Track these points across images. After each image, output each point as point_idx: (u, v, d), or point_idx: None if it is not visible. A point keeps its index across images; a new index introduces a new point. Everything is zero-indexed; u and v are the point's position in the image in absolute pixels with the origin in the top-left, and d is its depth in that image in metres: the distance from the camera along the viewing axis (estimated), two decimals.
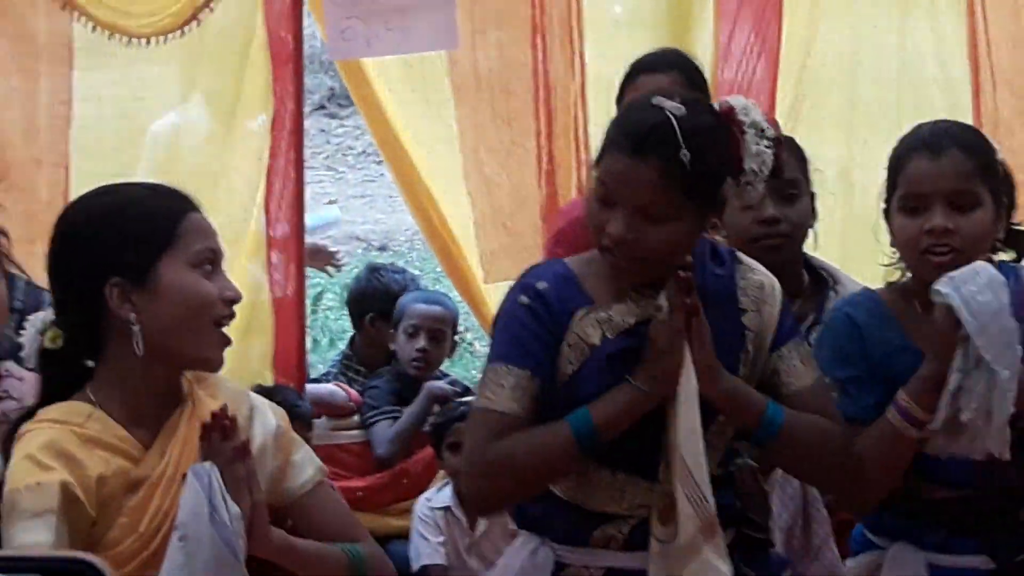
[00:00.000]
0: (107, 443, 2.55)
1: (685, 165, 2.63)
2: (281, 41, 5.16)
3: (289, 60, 5.18)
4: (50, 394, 2.62)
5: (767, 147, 2.70)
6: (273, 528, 2.62)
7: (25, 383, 3.24)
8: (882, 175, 4.74)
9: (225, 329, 2.65)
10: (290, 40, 5.15)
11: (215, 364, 2.66)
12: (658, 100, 2.72)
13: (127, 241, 2.59)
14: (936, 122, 3.33)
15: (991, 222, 3.05)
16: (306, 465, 2.76)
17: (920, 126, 3.29)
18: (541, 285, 2.80)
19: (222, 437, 2.54)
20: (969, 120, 5.22)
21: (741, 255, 2.96)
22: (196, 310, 2.59)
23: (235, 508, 2.48)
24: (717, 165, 2.66)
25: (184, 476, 2.52)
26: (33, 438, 2.54)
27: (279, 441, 2.74)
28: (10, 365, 3.30)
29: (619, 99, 4.16)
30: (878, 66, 5.52)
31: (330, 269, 6.74)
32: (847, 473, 2.96)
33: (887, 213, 3.18)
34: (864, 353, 3.11)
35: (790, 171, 3.46)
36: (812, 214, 3.77)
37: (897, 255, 3.17)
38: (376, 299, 5.57)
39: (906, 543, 3.07)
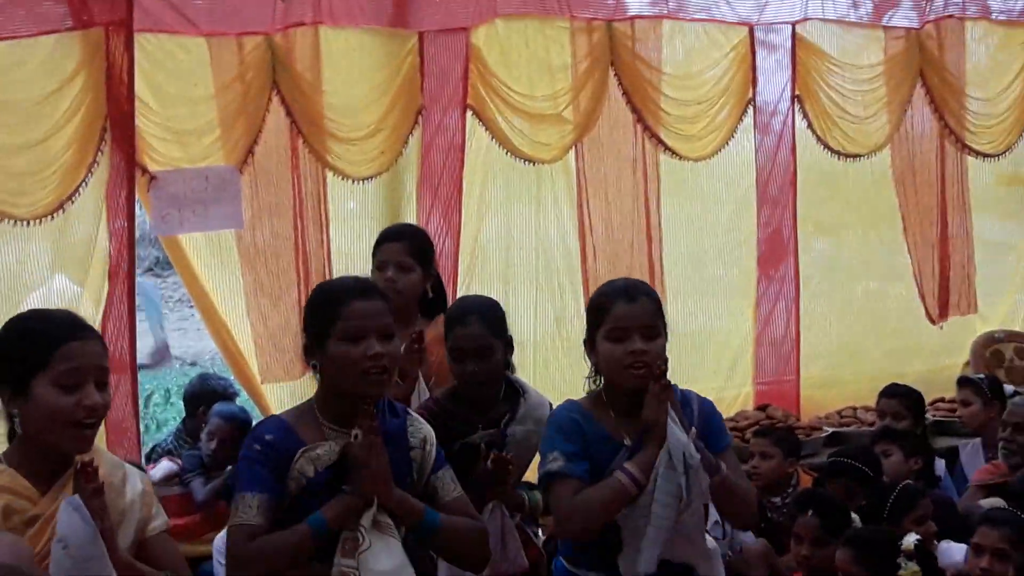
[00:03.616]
0: (12, 489, 2.95)
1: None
2: (118, 227, 6.04)
3: (123, 239, 6.04)
4: (10, 441, 3.09)
5: None
6: (120, 549, 3.01)
7: None
8: (526, 313, 6.22)
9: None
10: (125, 225, 6.06)
11: (78, 452, 3.02)
12: None
13: (11, 363, 2.98)
14: (626, 279, 3.89)
15: (665, 347, 3.64)
16: (159, 516, 3.22)
17: (613, 281, 3.84)
18: (268, 436, 3.34)
19: (86, 480, 2.95)
20: (579, 275, 6.96)
21: (410, 411, 3.59)
22: (56, 419, 2.94)
23: (95, 526, 2.91)
24: None
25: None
26: None
27: (144, 498, 3.18)
28: None
29: (374, 255, 5.05)
30: (522, 241, 7.03)
31: None
32: (484, 554, 3.56)
33: (590, 344, 3.68)
34: (582, 436, 3.60)
35: (485, 339, 4.32)
36: (508, 353, 4.43)
37: (594, 373, 3.70)
38: (206, 396, 6.65)
39: (600, 572, 3.63)
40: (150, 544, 3.15)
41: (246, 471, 3.32)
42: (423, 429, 3.49)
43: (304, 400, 3.53)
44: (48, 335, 2.98)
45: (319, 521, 3.23)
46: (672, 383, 3.71)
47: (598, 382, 3.70)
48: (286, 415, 3.45)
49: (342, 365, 3.29)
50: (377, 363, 3.27)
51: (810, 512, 5.02)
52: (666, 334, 3.64)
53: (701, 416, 3.73)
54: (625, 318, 3.57)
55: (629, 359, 3.54)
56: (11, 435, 3.07)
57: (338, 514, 3.24)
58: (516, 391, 4.44)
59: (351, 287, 3.40)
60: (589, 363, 3.72)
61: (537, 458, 3.92)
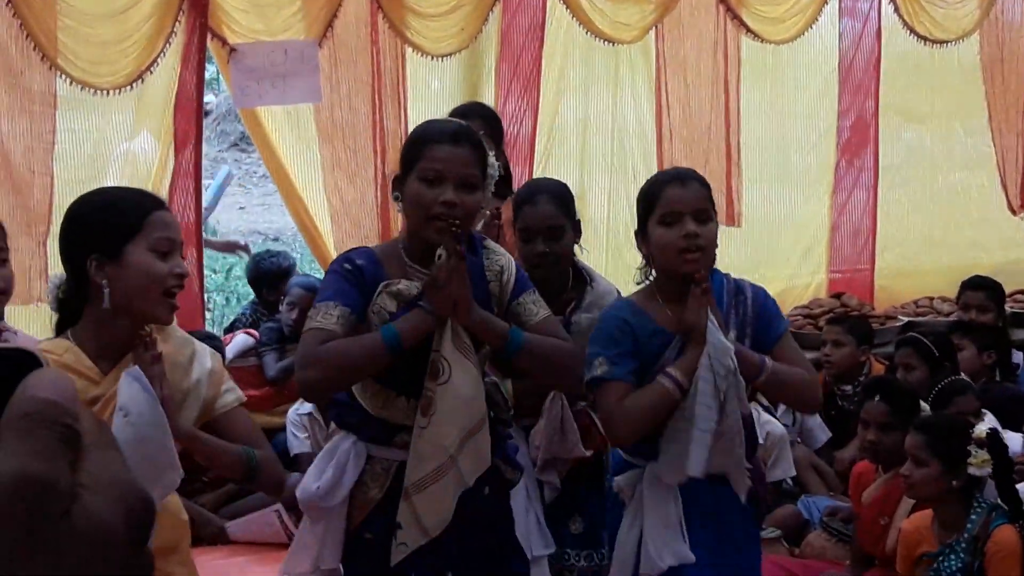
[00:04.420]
0: (76, 368, 2.93)
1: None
2: (188, 100, 6.20)
3: (192, 108, 6.19)
4: (60, 328, 3.08)
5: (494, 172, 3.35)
6: (180, 421, 3.00)
7: (19, 337, 3.67)
8: (600, 197, 6.22)
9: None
10: (195, 97, 6.21)
11: (164, 321, 3.04)
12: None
13: (104, 228, 2.96)
14: (675, 167, 3.93)
15: (717, 232, 3.58)
16: (230, 392, 3.17)
17: (663, 171, 3.96)
18: (359, 260, 3.30)
19: (144, 348, 2.95)
20: (654, 160, 6.90)
21: (488, 242, 3.50)
22: (150, 283, 2.94)
23: (155, 395, 2.87)
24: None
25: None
26: None
27: (212, 377, 3.14)
28: (5, 324, 3.70)
29: None
30: (599, 123, 7.02)
31: (242, 253, 8.17)
32: (576, 373, 3.49)
33: (641, 234, 3.62)
34: (632, 337, 3.53)
35: (556, 219, 4.24)
36: (576, 238, 4.32)
37: (645, 264, 3.65)
38: (264, 276, 6.93)
39: (656, 462, 3.56)
40: (220, 421, 3.14)
41: (331, 284, 3.28)
42: (500, 260, 3.43)
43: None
44: (139, 203, 3.00)
45: (392, 332, 3.18)
46: (727, 273, 3.70)
47: (649, 274, 3.66)
48: (375, 248, 3.43)
49: (415, 205, 3.25)
50: (449, 211, 3.19)
51: (878, 398, 5.00)
52: (716, 221, 3.60)
53: (755, 304, 3.66)
54: (678, 202, 3.51)
55: (683, 243, 3.47)
56: (64, 322, 3.06)
57: (412, 327, 3.19)
58: (583, 279, 4.33)
59: (444, 129, 3.33)
60: (641, 255, 3.67)
61: None
